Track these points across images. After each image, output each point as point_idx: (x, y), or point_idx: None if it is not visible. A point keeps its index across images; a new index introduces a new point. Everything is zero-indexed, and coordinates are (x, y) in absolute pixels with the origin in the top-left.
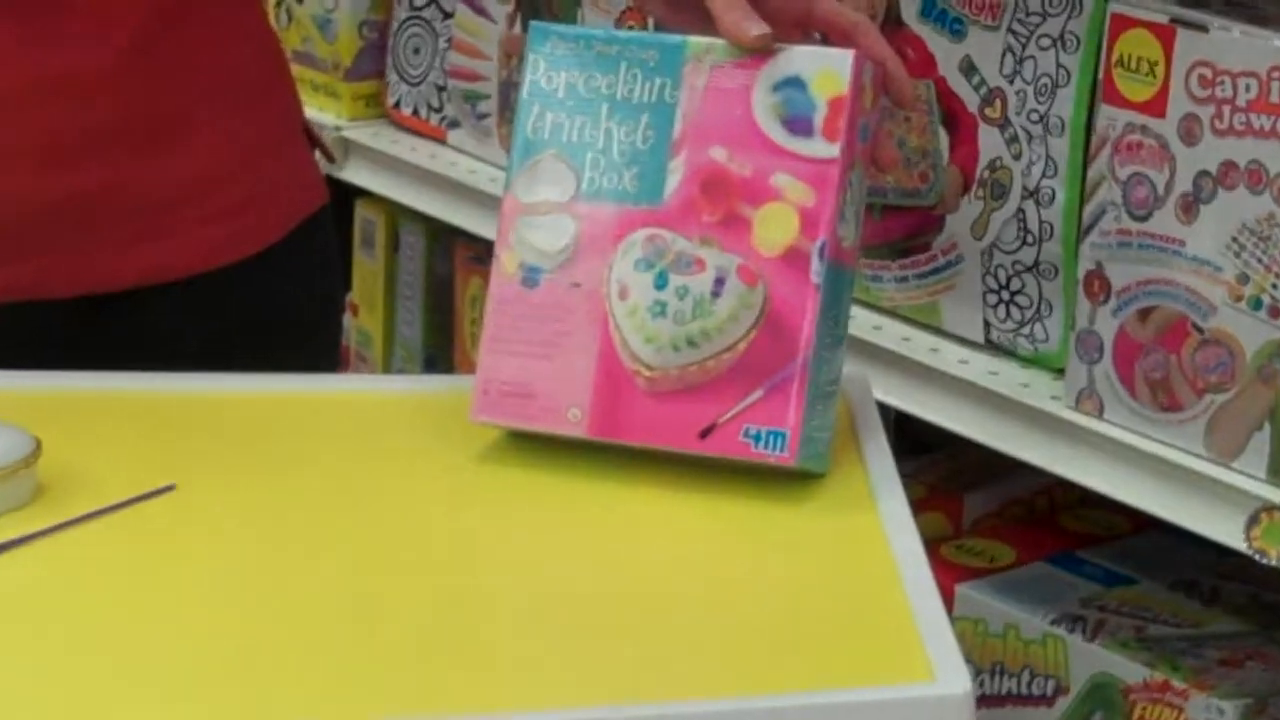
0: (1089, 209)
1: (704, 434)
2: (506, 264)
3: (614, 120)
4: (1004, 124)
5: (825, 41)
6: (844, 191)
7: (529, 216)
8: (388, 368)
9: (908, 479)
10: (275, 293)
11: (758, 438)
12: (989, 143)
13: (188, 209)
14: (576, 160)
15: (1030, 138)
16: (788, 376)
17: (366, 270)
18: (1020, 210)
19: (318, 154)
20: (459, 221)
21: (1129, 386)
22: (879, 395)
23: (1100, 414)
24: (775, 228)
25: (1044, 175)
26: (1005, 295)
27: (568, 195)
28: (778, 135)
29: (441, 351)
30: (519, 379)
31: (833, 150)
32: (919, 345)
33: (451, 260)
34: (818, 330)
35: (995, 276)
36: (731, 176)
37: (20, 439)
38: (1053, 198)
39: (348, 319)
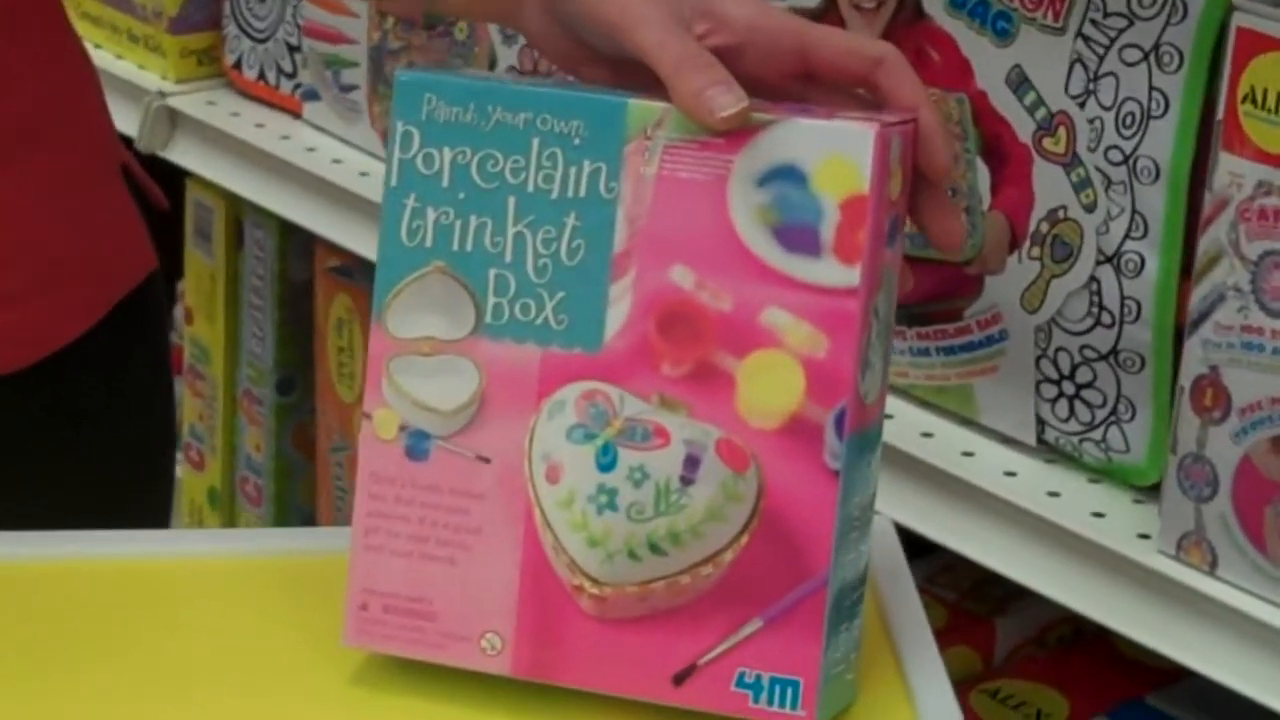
0: (1199, 292)
1: (679, 679)
2: (381, 425)
3: (525, 222)
4: (1071, 162)
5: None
6: (868, 330)
7: (408, 358)
8: (231, 388)
9: (920, 593)
10: (83, 395)
11: (758, 688)
12: (1049, 185)
13: None
14: (474, 279)
15: (1109, 183)
16: (800, 602)
17: (202, 269)
18: (1094, 279)
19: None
20: (318, 227)
21: (1255, 537)
22: (887, 509)
23: (1211, 569)
24: (770, 388)
25: (1129, 235)
26: (1069, 387)
27: (464, 330)
28: (768, 252)
29: (300, 373)
30: (410, 591)
31: (852, 277)
32: (948, 445)
33: (310, 265)
34: (839, 530)
35: (1054, 362)
36: (703, 311)
37: None
38: (1140, 267)
39: (180, 321)
